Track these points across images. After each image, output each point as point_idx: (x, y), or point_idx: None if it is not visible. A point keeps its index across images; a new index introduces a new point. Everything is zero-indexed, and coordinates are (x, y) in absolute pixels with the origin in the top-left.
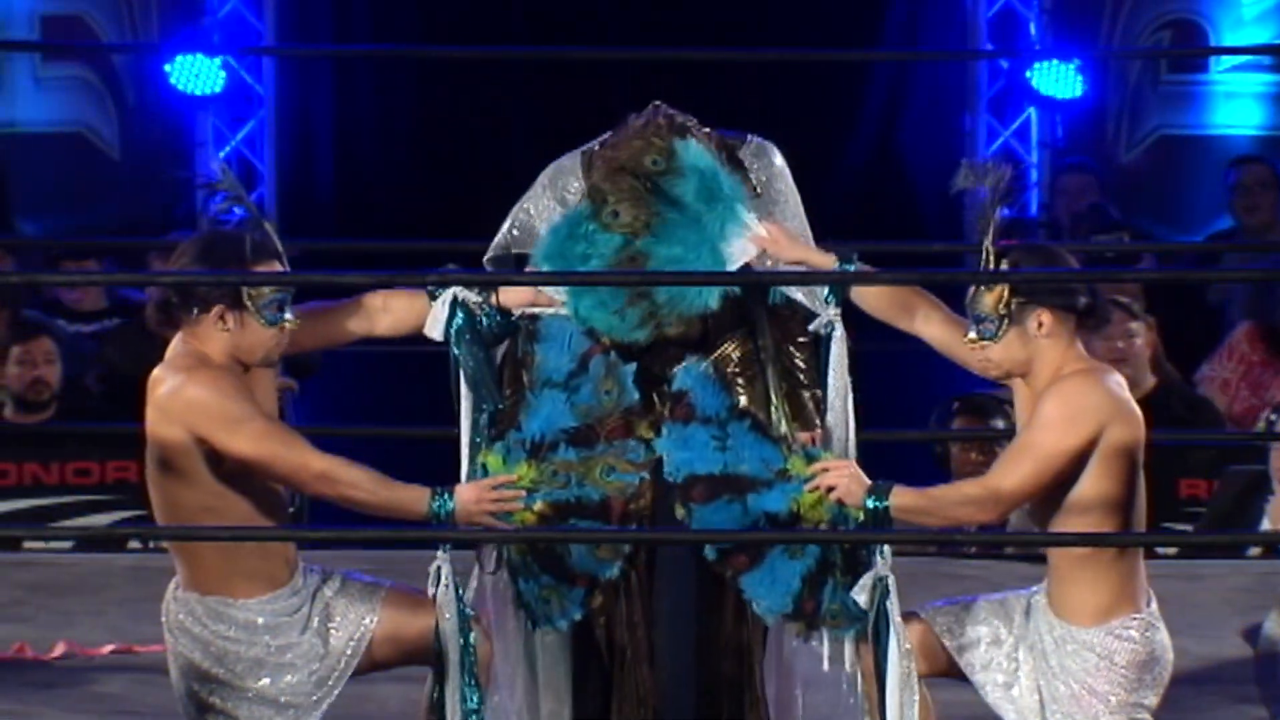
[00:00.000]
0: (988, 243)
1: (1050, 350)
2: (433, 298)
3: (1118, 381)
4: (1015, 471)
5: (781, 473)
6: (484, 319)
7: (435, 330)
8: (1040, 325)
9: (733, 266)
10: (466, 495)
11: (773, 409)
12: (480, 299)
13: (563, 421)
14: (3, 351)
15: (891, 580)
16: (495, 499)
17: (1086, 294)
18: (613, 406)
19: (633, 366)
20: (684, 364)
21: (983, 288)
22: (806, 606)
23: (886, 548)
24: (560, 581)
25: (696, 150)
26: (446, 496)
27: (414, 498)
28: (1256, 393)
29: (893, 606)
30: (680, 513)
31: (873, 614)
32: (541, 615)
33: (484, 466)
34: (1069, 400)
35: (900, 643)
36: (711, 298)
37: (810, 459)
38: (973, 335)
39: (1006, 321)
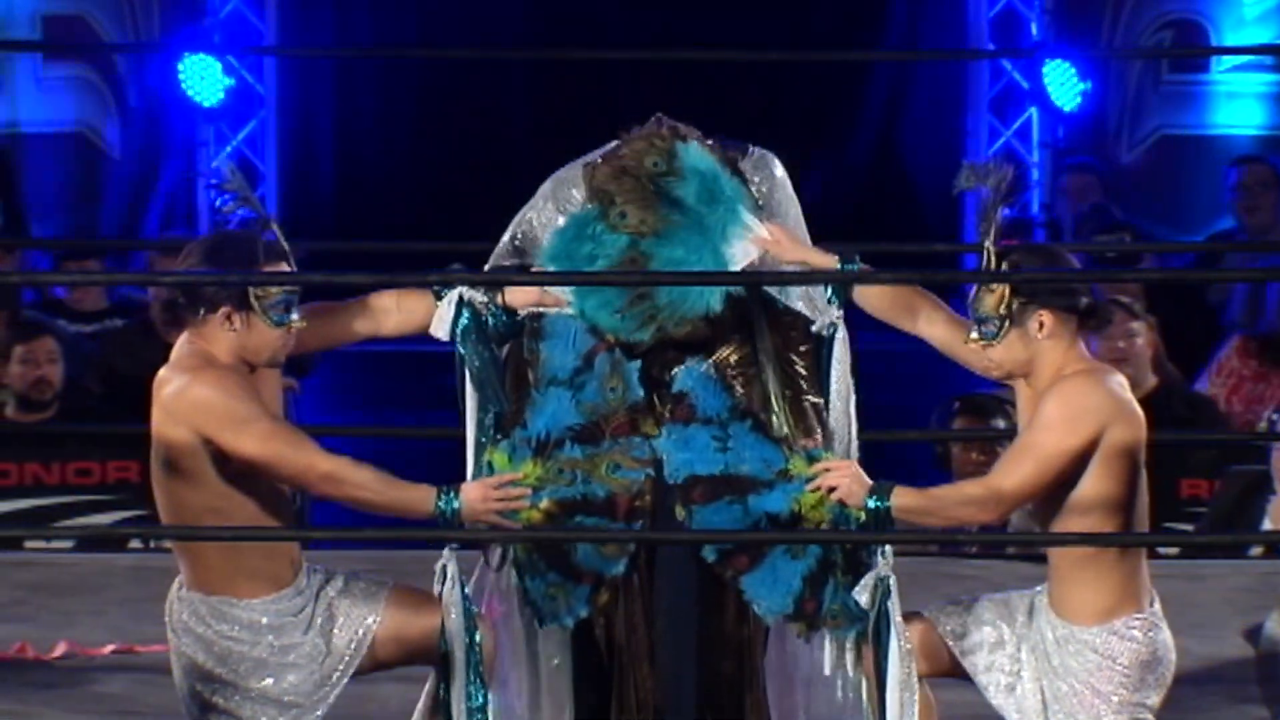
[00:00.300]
0: (989, 243)
1: (1051, 351)
2: (438, 297)
3: (1119, 382)
4: (1016, 472)
5: (783, 473)
6: (490, 319)
7: (441, 330)
8: (1041, 326)
9: (735, 268)
10: (472, 494)
11: (774, 416)
12: (486, 299)
13: (568, 419)
14: (5, 351)
15: (893, 580)
16: (501, 497)
17: (1088, 295)
18: (618, 404)
19: (638, 363)
20: (684, 365)
21: (984, 288)
22: (807, 607)
23: (888, 548)
24: (566, 579)
25: (697, 152)
26: (452, 495)
27: (420, 497)
28: (1250, 407)
29: (894, 607)
30: (681, 514)
31: (874, 614)
32: (548, 612)
33: (490, 465)
34: (1070, 401)
35: (901, 643)
36: (714, 299)
37: (811, 459)
38: (974, 336)
39: (1008, 322)
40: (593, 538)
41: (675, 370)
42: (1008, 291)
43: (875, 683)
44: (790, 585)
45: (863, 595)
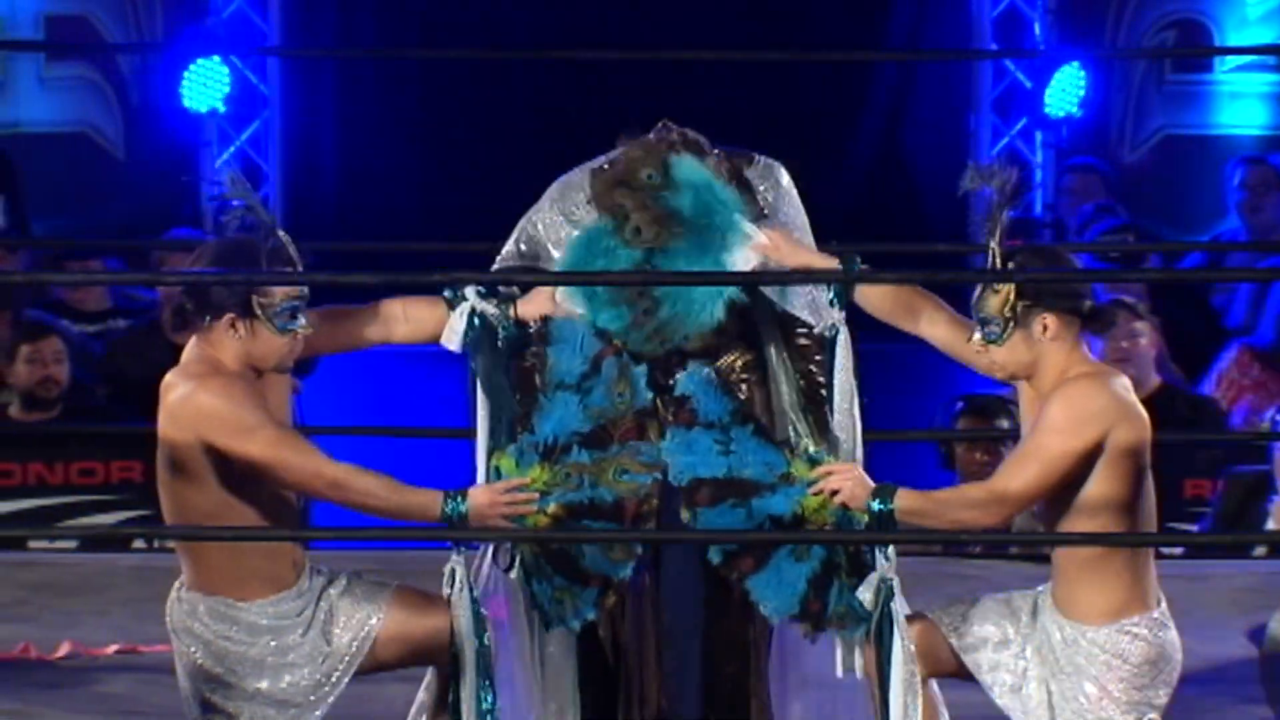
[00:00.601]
0: (993, 244)
1: (1055, 353)
2: (450, 307)
3: (1123, 384)
4: (1021, 474)
5: (785, 476)
6: (501, 329)
7: (453, 341)
8: (1045, 328)
9: None
10: (480, 498)
11: (791, 427)
12: (497, 311)
13: (575, 424)
14: (10, 351)
15: (896, 582)
16: (509, 502)
17: (1092, 297)
18: (625, 408)
19: (645, 368)
20: (686, 370)
21: (988, 290)
22: (813, 608)
23: (891, 549)
24: (573, 582)
25: (689, 164)
26: (460, 500)
27: (427, 501)
28: (1248, 419)
29: (897, 608)
30: (685, 516)
31: (876, 615)
32: (555, 616)
33: (497, 469)
34: (1074, 403)
35: (904, 644)
36: (717, 309)
37: (813, 462)
38: (978, 337)
39: (1011, 324)
40: (594, 538)
41: (677, 375)
42: (1012, 293)
43: (878, 684)
44: (795, 587)
45: (866, 595)
